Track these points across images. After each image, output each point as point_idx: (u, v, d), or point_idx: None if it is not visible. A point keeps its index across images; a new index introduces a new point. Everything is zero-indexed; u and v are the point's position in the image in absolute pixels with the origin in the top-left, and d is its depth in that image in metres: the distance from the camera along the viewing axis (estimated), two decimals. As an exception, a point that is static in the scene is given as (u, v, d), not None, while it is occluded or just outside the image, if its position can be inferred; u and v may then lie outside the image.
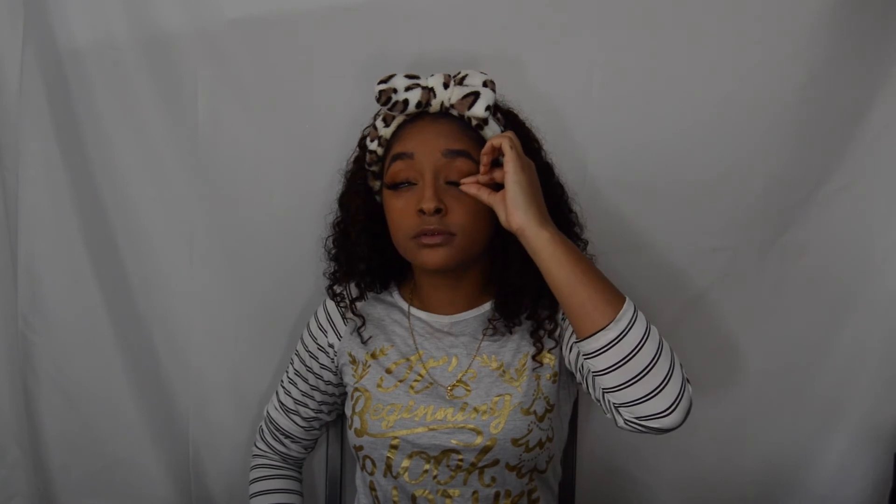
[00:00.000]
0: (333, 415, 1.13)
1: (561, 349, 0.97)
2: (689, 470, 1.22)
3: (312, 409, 1.09)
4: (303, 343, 1.08)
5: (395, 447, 0.94)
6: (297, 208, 1.17)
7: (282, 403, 1.10)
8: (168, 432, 1.25)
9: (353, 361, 1.02)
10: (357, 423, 0.97)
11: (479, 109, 0.89)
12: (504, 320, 0.97)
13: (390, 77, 0.92)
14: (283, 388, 1.10)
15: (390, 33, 1.13)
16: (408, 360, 0.99)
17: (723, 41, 1.10)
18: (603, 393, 0.83)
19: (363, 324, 1.02)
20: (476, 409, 0.93)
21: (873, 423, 1.18)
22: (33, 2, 1.13)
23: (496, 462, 0.92)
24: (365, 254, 0.99)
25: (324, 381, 1.07)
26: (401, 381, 0.97)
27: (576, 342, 0.84)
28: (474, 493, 0.94)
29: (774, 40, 1.08)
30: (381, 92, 0.91)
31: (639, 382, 0.78)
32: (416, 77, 0.93)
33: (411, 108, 0.91)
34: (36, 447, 1.23)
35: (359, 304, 1.04)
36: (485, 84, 0.91)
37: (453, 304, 1.00)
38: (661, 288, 1.18)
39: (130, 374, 1.22)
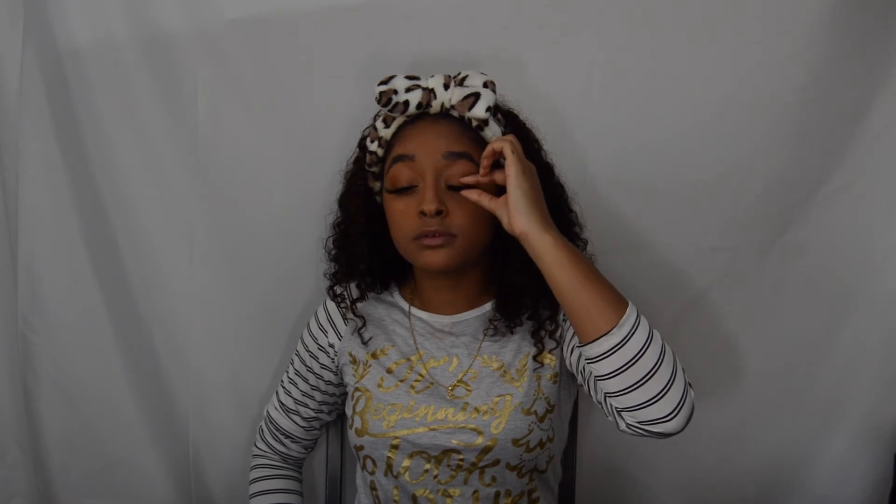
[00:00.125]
0: (334, 415, 1.13)
1: (562, 350, 0.97)
2: (689, 470, 1.22)
3: (313, 409, 1.09)
4: (303, 343, 1.08)
5: (395, 447, 0.94)
6: (297, 208, 1.17)
7: (282, 403, 1.10)
8: (168, 432, 1.25)
9: (354, 361, 1.02)
10: (358, 423, 0.97)
11: (479, 110, 0.90)
12: (505, 320, 0.97)
13: (390, 78, 0.92)
14: (284, 388, 1.10)
15: (390, 33, 1.13)
16: (408, 360, 0.99)
17: (723, 41, 1.10)
18: (605, 396, 0.83)
19: (364, 325, 1.02)
20: (477, 409, 0.93)
21: (873, 423, 1.18)
22: (33, 2, 1.13)
23: (497, 462, 0.93)
24: (365, 255, 0.99)
25: (324, 381, 1.07)
26: (401, 381, 0.97)
27: (578, 346, 0.84)
28: (475, 492, 0.94)
29: (774, 40, 1.08)
30: (381, 93, 0.91)
31: (641, 387, 0.78)
32: (417, 78, 0.93)
33: (412, 109, 0.91)
34: (36, 447, 1.23)
35: (359, 305, 1.04)
36: (485, 85, 0.91)
37: (454, 304, 1.00)
38: (661, 288, 1.18)
39: (130, 374, 1.22)
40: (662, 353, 0.79)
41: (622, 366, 0.79)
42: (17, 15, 1.14)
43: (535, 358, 0.96)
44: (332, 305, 1.06)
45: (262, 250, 1.20)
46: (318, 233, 1.10)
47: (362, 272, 1.01)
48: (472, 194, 0.88)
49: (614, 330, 0.79)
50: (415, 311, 1.03)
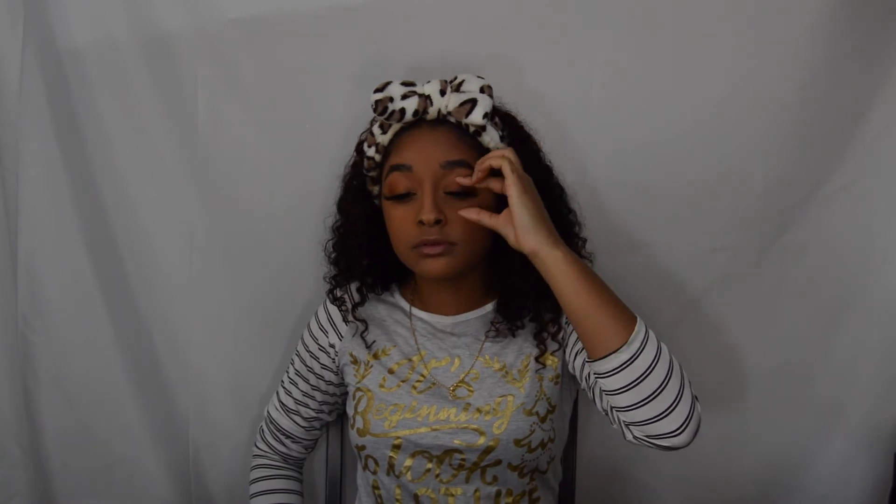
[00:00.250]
0: (334, 415, 1.13)
1: (564, 352, 0.97)
2: (689, 470, 1.22)
3: (313, 409, 1.09)
4: (303, 343, 1.08)
5: (397, 447, 0.94)
6: (297, 208, 1.17)
7: (282, 403, 1.10)
8: (168, 432, 1.25)
9: (355, 361, 1.02)
10: (360, 423, 0.97)
11: (476, 117, 0.89)
12: (507, 322, 0.97)
13: (386, 85, 0.92)
14: (284, 388, 1.10)
15: (390, 33, 1.13)
16: (410, 360, 0.99)
17: (723, 41, 1.10)
18: (612, 408, 0.84)
19: (366, 328, 1.02)
20: (479, 410, 0.93)
21: (873, 423, 1.18)
22: (33, 2, 1.12)
23: (498, 462, 0.93)
24: (365, 258, 1.00)
25: (325, 381, 1.07)
26: (403, 382, 0.97)
27: (587, 362, 0.84)
28: (476, 490, 0.94)
29: (774, 40, 1.08)
30: (377, 102, 0.91)
31: (650, 403, 0.79)
32: (413, 84, 0.92)
33: (408, 116, 0.91)
34: (36, 447, 1.23)
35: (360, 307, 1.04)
36: (482, 90, 0.90)
37: (455, 304, 1.01)
38: (660, 288, 1.18)
39: (130, 374, 1.22)
40: (671, 368, 0.80)
41: (631, 382, 0.79)
42: (17, 15, 1.14)
43: (537, 359, 0.96)
44: (332, 306, 1.06)
45: (262, 250, 1.20)
46: (318, 232, 1.10)
47: (362, 274, 1.01)
48: (472, 213, 0.87)
49: (624, 347, 0.79)
50: (416, 311, 1.03)
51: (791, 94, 1.10)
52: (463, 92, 0.91)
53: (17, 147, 1.15)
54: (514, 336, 0.98)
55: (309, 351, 1.07)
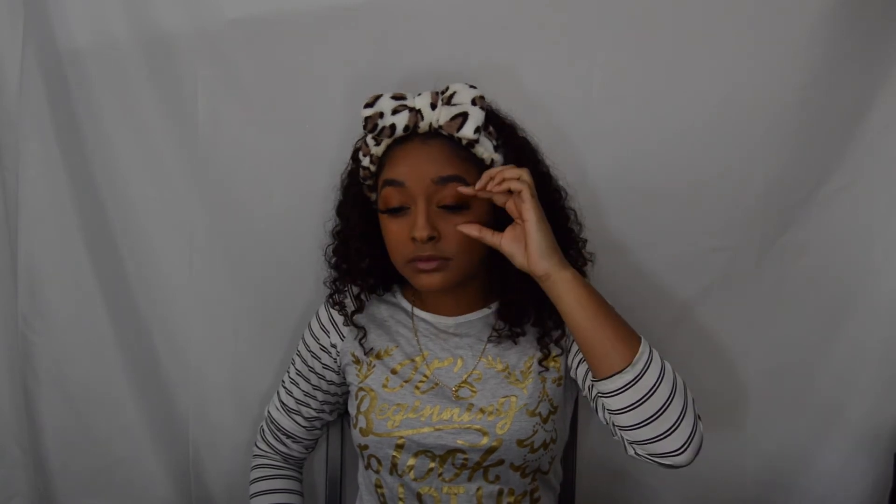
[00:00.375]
0: (335, 414, 1.13)
1: (567, 357, 0.98)
2: (689, 469, 1.21)
3: (314, 409, 1.09)
4: (304, 343, 1.08)
5: (400, 446, 0.94)
6: (297, 208, 1.17)
7: (283, 403, 1.10)
8: (168, 432, 1.25)
9: (357, 361, 1.02)
10: (362, 423, 0.97)
11: (468, 131, 0.89)
12: (508, 328, 0.97)
13: (376, 99, 0.92)
14: (285, 388, 1.10)
15: (390, 33, 1.13)
16: (412, 360, 0.99)
17: (723, 41, 1.10)
18: (614, 425, 0.85)
19: (364, 335, 1.02)
20: (482, 410, 0.93)
21: (873, 423, 1.18)
22: (33, 2, 1.12)
23: (501, 462, 0.93)
24: (366, 263, 1.00)
25: (326, 381, 1.07)
26: (406, 382, 0.97)
27: (593, 381, 0.85)
28: (478, 489, 0.94)
29: (774, 40, 1.08)
30: (366, 119, 0.91)
31: (652, 423, 0.80)
32: (403, 97, 0.92)
33: (399, 132, 0.91)
34: (36, 447, 1.23)
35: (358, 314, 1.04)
36: (473, 102, 0.90)
37: (457, 306, 1.01)
38: (660, 288, 1.18)
39: (130, 374, 1.22)
40: (674, 388, 0.81)
41: (634, 402, 0.80)
42: (17, 15, 1.14)
43: (540, 362, 0.97)
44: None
45: (262, 250, 1.20)
46: (319, 232, 1.10)
47: (363, 275, 1.01)
48: (473, 230, 0.88)
49: (628, 368, 0.80)
50: (417, 311, 1.03)
51: (791, 94, 1.10)
52: (454, 105, 0.90)
53: (17, 147, 1.15)
54: (515, 343, 0.98)
55: (310, 351, 1.07)
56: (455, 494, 0.94)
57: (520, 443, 0.92)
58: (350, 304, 1.04)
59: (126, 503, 1.25)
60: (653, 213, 1.15)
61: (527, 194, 0.84)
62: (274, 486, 1.09)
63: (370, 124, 0.91)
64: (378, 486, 0.98)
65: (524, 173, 0.85)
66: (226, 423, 1.24)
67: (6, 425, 1.30)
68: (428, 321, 1.02)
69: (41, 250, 1.17)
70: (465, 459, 0.93)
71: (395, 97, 0.92)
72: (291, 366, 1.10)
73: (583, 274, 0.99)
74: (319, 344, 1.06)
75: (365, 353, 1.01)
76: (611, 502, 1.26)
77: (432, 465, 0.94)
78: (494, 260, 0.95)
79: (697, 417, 0.83)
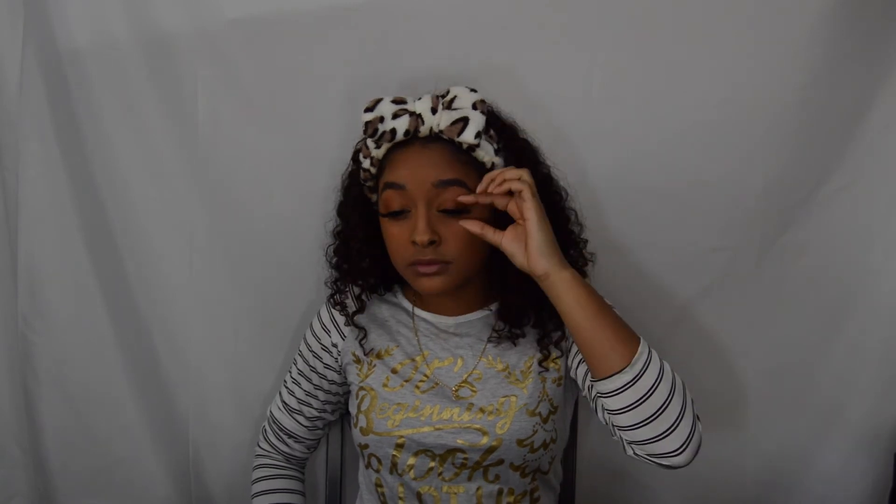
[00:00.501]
0: (337, 414, 1.13)
1: (567, 358, 0.98)
2: (689, 470, 1.21)
3: (316, 409, 1.09)
4: (306, 343, 1.08)
5: (400, 445, 0.94)
6: (297, 208, 1.17)
7: (285, 403, 1.10)
8: (168, 432, 1.25)
9: (358, 361, 1.02)
10: (363, 422, 0.97)
11: (468, 136, 0.89)
12: (508, 329, 0.97)
13: (376, 103, 0.92)
14: (287, 387, 1.10)
15: (390, 33, 1.13)
16: (413, 360, 0.99)
17: (723, 41, 1.10)
18: (613, 425, 0.85)
19: (365, 336, 1.02)
20: (482, 410, 0.93)
21: (873, 423, 1.18)
22: (33, 2, 1.12)
23: (501, 462, 0.93)
24: (366, 263, 1.00)
25: (327, 380, 1.07)
26: (406, 381, 0.97)
27: (592, 381, 0.85)
28: (478, 489, 0.94)
29: (774, 40, 1.08)
30: (367, 124, 0.91)
31: (650, 424, 0.80)
32: (404, 101, 0.92)
33: (399, 136, 0.91)
34: (36, 447, 1.23)
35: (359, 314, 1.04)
36: (474, 106, 0.90)
37: (457, 306, 1.01)
38: (660, 288, 1.18)
39: (130, 374, 1.22)
40: (673, 388, 0.81)
41: (633, 402, 0.80)
42: (17, 15, 1.14)
43: (540, 363, 0.97)
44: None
45: (262, 250, 1.20)
46: (319, 232, 1.10)
47: (364, 275, 1.01)
48: (475, 227, 0.88)
49: (627, 368, 0.80)
50: (418, 311, 1.03)
51: (791, 94, 1.10)
52: (455, 109, 0.90)
53: (17, 147, 1.15)
54: (514, 345, 0.98)
55: (311, 350, 1.07)
56: (455, 494, 0.94)
57: (519, 442, 0.92)
58: (351, 304, 1.04)
59: (126, 503, 1.25)
60: (653, 213, 1.15)
61: (527, 193, 0.84)
62: (276, 485, 1.09)
63: (370, 129, 0.91)
64: (378, 485, 0.98)
65: (524, 173, 0.86)
66: (226, 423, 1.24)
67: (6, 425, 1.30)
68: (428, 321, 1.02)
69: (41, 250, 1.17)
70: (465, 459, 0.93)
71: (396, 101, 0.92)
72: (293, 366, 1.10)
73: (583, 274, 1.00)
74: (321, 344, 1.06)
75: (365, 353, 1.01)
76: (611, 502, 1.26)
77: (432, 464, 0.94)
78: (495, 261, 0.95)
79: (696, 418, 0.83)
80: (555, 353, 0.97)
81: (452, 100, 0.91)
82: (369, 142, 0.93)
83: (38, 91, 1.14)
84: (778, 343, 1.19)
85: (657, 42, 1.11)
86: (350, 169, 1.02)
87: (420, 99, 0.92)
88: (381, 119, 0.91)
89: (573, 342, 0.97)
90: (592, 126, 1.13)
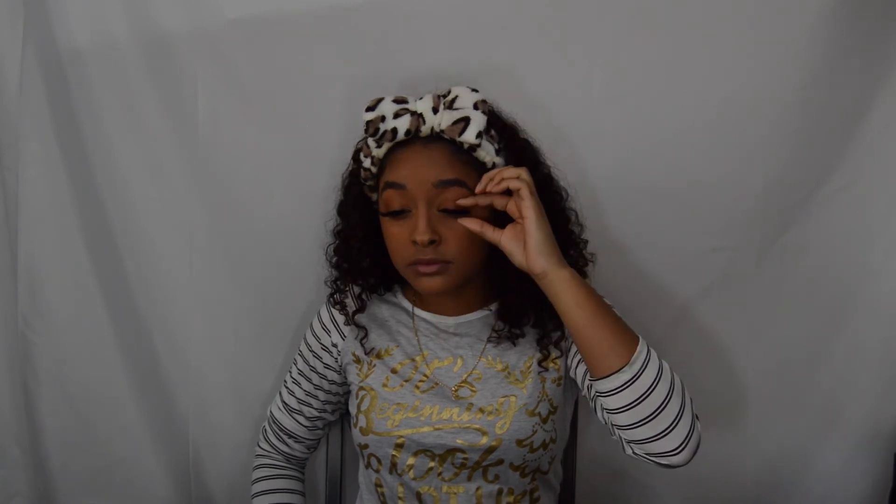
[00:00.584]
0: (337, 414, 1.13)
1: (566, 359, 0.98)
2: (689, 469, 1.21)
3: (316, 409, 1.09)
4: (306, 343, 1.08)
5: (400, 446, 0.94)
6: (297, 208, 1.17)
7: (285, 403, 1.10)
8: (168, 432, 1.25)
9: (358, 360, 1.02)
10: (363, 422, 0.97)
11: (470, 136, 0.89)
12: (508, 329, 0.97)
13: (377, 103, 0.92)
14: (287, 387, 1.10)
15: (390, 33, 1.13)
16: (413, 360, 0.99)
17: (723, 41, 1.10)
18: (613, 425, 0.85)
19: (366, 335, 1.02)
20: (482, 410, 0.93)
21: (873, 423, 1.18)
22: (33, 2, 1.12)
23: (500, 462, 0.93)
24: (367, 262, 1.00)
25: (328, 380, 1.07)
26: (406, 381, 0.97)
27: (591, 380, 0.85)
28: (478, 489, 0.94)
29: (774, 40, 1.08)
30: (368, 123, 0.91)
31: (649, 423, 0.80)
32: (405, 101, 0.92)
33: (400, 136, 0.91)
34: (36, 447, 1.23)
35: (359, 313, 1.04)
36: (475, 106, 0.90)
37: (457, 306, 1.01)
38: (660, 288, 1.18)
39: (130, 373, 1.22)
40: (672, 387, 0.81)
41: (632, 401, 0.80)
42: (17, 15, 1.14)
43: (539, 363, 0.97)
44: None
45: (262, 250, 1.20)
46: (319, 232, 1.10)
47: (365, 275, 1.01)
48: (474, 225, 0.88)
49: (625, 367, 0.80)
50: (418, 311, 1.03)
51: (791, 94, 1.10)
52: (456, 109, 0.90)
53: (17, 147, 1.15)
54: (514, 345, 0.98)
55: (312, 350, 1.07)
56: (454, 494, 0.94)
57: (519, 442, 0.92)
58: (351, 304, 1.04)
59: (126, 503, 1.25)
60: (653, 213, 1.15)
61: (525, 192, 0.84)
62: (276, 485, 1.09)
63: (372, 128, 0.91)
64: (378, 485, 0.98)
65: (523, 172, 0.86)
66: (226, 423, 1.24)
67: (6, 425, 1.29)
68: (428, 321, 1.02)
69: (41, 250, 1.17)
70: (465, 459, 0.93)
71: (397, 101, 0.92)
72: (293, 366, 1.10)
73: (583, 275, 1.00)
74: (321, 343, 1.06)
75: (365, 353, 1.01)
76: (611, 502, 1.26)
77: (432, 464, 0.94)
78: (495, 261, 0.95)
79: (695, 417, 0.83)
80: (554, 353, 0.97)
81: (454, 100, 0.91)
82: (370, 141, 0.93)
83: (38, 91, 1.14)
84: (778, 343, 1.19)
85: (657, 42, 1.11)
86: (350, 168, 1.02)
87: (421, 98, 0.92)
88: (383, 118, 0.91)
89: (572, 342, 0.97)
90: (592, 126, 1.13)
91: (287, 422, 1.10)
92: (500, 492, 0.94)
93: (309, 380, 1.08)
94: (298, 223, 1.17)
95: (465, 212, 0.90)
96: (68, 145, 1.16)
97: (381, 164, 0.94)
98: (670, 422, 0.80)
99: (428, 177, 0.89)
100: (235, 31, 1.13)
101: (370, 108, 0.92)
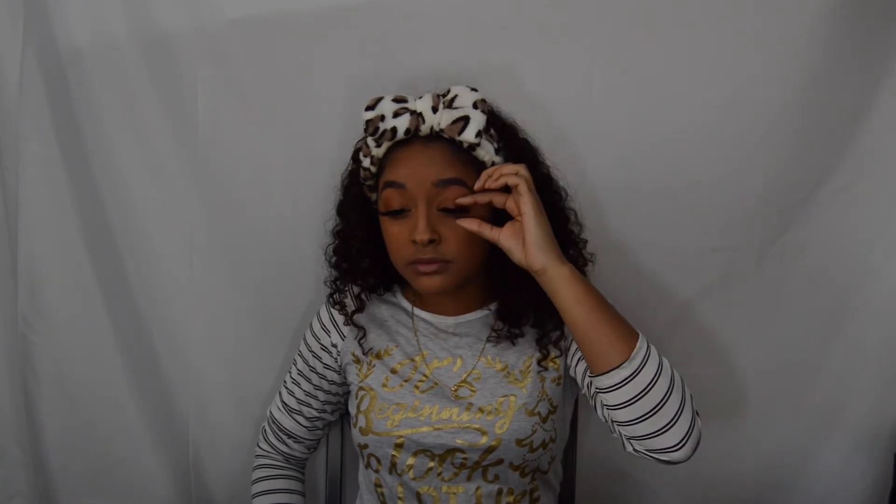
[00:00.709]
0: (336, 414, 1.13)
1: (566, 358, 0.98)
2: (689, 469, 1.21)
3: (316, 409, 1.09)
4: (306, 343, 1.08)
5: (399, 446, 0.94)
6: (297, 208, 1.17)
7: (285, 404, 1.10)
8: (168, 432, 1.25)
9: (357, 361, 1.02)
10: (362, 422, 0.97)
11: (469, 135, 0.89)
12: (507, 329, 0.97)
13: (377, 102, 0.92)
14: (287, 388, 1.10)
15: (390, 33, 1.13)
16: (412, 360, 0.99)
17: (723, 41, 1.10)
18: (612, 421, 0.85)
19: (364, 335, 1.02)
20: (481, 410, 0.93)
21: (873, 423, 1.18)
22: (33, 1, 1.12)
23: (500, 461, 0.93)
24: (366, 262, 1.00)
25: (327, 380, 1.07)
26: (406, 381, 0.97)
27: (590, 377, 0.85)
28: (477, 489, 0.94)
29: (774, 41, 1.08)
30: (367, 122, 0.91)
31: (650, 419, 0.80)
32: (405, 100, 0.92)
33: (400, 135, 0.91)
34: (36, 447, 1.23)
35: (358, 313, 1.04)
36: (475, 105, 0.90)
37: (457, 306, 1.01)
38: (660, 288, 1.18)
39: (130, 374, 1.22)
40: (672, 384, 0.81)
41: (632, 397, 0.80)
42: (17, 14, 1.14)
43: (539, 363, 0.97)
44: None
45: (262, 250, 1.20)
46: (319, 232, 1.10)
47: (364, 275, 1.01)
48: (473, 224, 0.88)
49: (625, 363, 0.80)
50: (417, 311, 1.03)
51: (791, 94, 1.10)
52: (455, 108, 0.90)
53: (17, 147, 1.15)
54: (513, 344, 0.98)
55: (311, 351, 1.07)
56: (454, 494, 0.94)
57: (518, 442, 0.92)
58: (350, 304, 1.04)
59: (126, 503, 1.25)
60: (652, 213, 1.15)
61: (524, 188, 0.84)
62: (276, 486, 1.09)
63: (371, 127, 0.91)
64: (378, 485, 0.98)
65: (521, 168, 0.86)
66: (226, 423, 1.24)
67: (6, 425, 1.30)
68: (428, 321, 1.02)
69: (41, 250, 1.17)
70: (465, 459, 0.93)
71: (396, 100, 0.92)
72: (293, 366, 1.10)
73: (583, 274, 0.99)
74: (320, 344, 1.06)
75: (364, 353, 1.01)
76: (611, 502, 1.26)
77: (431, 464, 0.94)
78: (494, 260, 0.95)
79: (695, 413, 0.83)
80: (554, 352, 0.97)
81: (453, 99, 0.91)
82: (370, 140, 0.93)
83: (38, 91, 1.14)
84: (778, 343, 1.19)
85: (657, 42, 1.11)
86: (350, 168, 1.02)
87: (421, 98, 0.92)
88: (382, 117, 0.91)
89: (572, 340, 0.97)
90: (592, 126, 1.13)
91: (287, 422, 1.10)
92: (499, 492, 0.94)
93: (309, 380, 1.08)
94: (298, 223, 1.17)
95: (464, 211, 0.90)
96: (68, 145, 1.16)
97: (381, 163, 0.94)
98: (671, 418, 0.80)
99: (427, 176, 0.89)
100: (235, 31, 1.13)
101: (370, 108, 0.92)
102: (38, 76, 1.14)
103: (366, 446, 0.97)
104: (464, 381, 0.97)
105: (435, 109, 0.91)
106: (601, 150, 1.14)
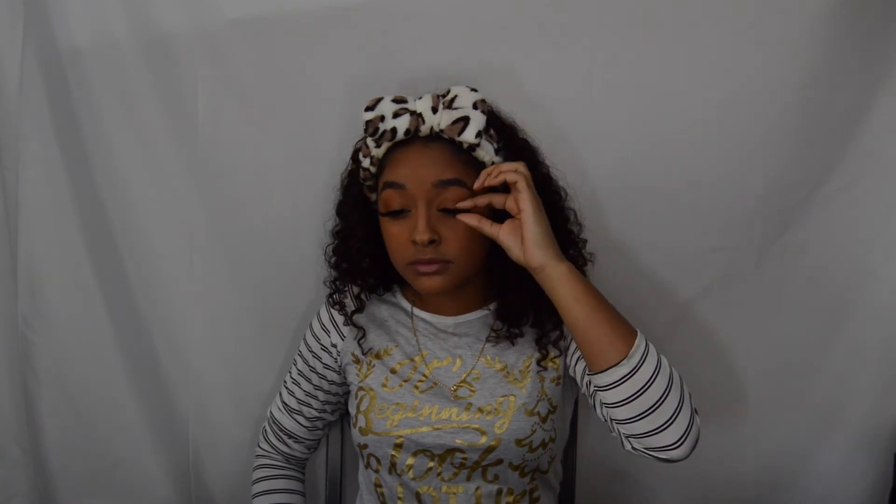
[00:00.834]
0: (336, 414, 1.13)
1: (566, 358, 0.98)
2: (689, 469, 1.21)
3: (316, 409, 1.09)
4: (305, 343, 1.08)
5: (399, 445, 0.94)
6: (297, 208, 1.17)
7: (285, 404, 1.10)
8: (168, 432, 1.25)
9: (357, 361, 1.02)
10: (362, 422, 0.97)
11: (469, 135, 0.89)
12: (507, 329, 0.97)
13: (377, 102, 0.92)
14: (287, 388, 1.10)
15: (390, 33, 1.13)
16: (412, 360, 0.99)
17: (723, 41, 1.10)
18: (611, 420, 0.85)
19: (363, 336, 1.02)
20: (481, 410, 0.93)
21: (873, 423, 1.18)
22: (33, 1, 1.13)
23: (500, 461, 0.93)
24: (366, 262, 1.00)
25: (327, 380, 1.07)
26: (405, 381, 0.97)
27: (589, 374, 0.85)
28: (477, 489, 0.94)
29: (775, 41, 1.08)
30: (367, 122, 0.91)
31: (648, 417, 0.80)
32: (404, 101, 0.92)
33: (400, 135, 0.91)
34: (36, 447, 1.23)
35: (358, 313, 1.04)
36: (475, 106, 0.90)
37: (456, 306, 1.01)
38: (660, 288, 1.18)
39: (130, 374, 1.22)
40: (670, 381, 0.81)
41: (631, 395, 0.80)
42: (17, 14, 1.14)
43: (538, 362, 0.97)
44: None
45: (262, 250, 1.20)
46: (319, 232, 1.10)
47: (364, 275, 1.01)
48: (472, 220, 0.88)
49: (624, 361, 0.80)
50: (417, 311, 1.03)
51: (791, 94, 1.10)
52: (455, 108, 0.90)
53: (17, 147, 1.15)
54: (513, 344, 0.98)
55: (311, 351, 1.07)
56: (454, 494, 0.94)
57: (518, 442, 0.92)
58: (350, 304, 1.04)
59: (126, 503, 1.25)
60: (653, 213, 1.15)
61: (522, 185, 0.84)
62: (276, 486, 1.09)
63: (371, 128, 0.91)
64: (378, 485, 0.98)
65: (520, 165, 0.86)
66: (226, 423, 1.24)
67: (6, 425, 1.30)
68: (427, 321, 1.02)
69: (41, 250, 1.17)
70: (464, 459, 0.93)
71: (396, 100, 0.92)
72: (293, 366, 1.10)
73: (583, 274, 0.99)
74: (320, 344, 1.06)
75: (364, 353, 1.01)
76: (611, 502, 1.26)
77: (431, 464, 0.94)
78: (494, 260, 0.95)
79: (694, 411, 0.83)
80: (553, 352, 0.97)
81: (453, 99, 0.91)
82: (369, 141, 0.93)
83: (38, 91, 1.14)
84: (778, 343, 1.18)
85: (657, 42, 1.11)
86: (350, 168, 1.02)
87: (421, 98, 0.92)
88: (382, 118, 0.91)
89: (571, 340, 0.97)
90: (592, 126, 1.13)
91: (287, 422, 1.10)
92: (499, 492, 0.94)
93: (309, 380, 1.08)
94: (298, 223, 1.17)
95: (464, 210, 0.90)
96: (68, 145, 1.16)
97: (381, 163, 0.94)
98: (669, 415, 0.80)
99: (427, 176, 0.89)
100: (235, 31, 1.13)
101: (369, 108, 0.92)
102: (38, 76, 1.14)
103: (365, 446, 0.97)
104: (463, 381, 0.97)
105: (435, 110, 0.91)
106: (601, 150, 1.14)
